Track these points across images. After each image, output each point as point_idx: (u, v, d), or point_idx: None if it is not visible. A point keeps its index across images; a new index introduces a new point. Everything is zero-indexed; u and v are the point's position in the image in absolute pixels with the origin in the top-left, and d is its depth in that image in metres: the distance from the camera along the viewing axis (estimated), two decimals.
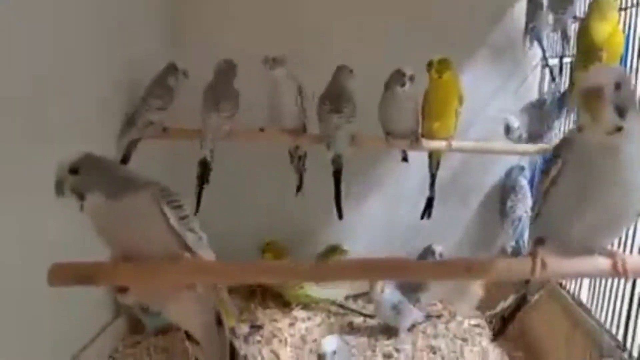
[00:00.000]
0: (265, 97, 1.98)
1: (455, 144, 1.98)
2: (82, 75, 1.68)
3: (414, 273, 1.01)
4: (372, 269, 0.96)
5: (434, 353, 2.01)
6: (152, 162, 2.27)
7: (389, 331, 2.13)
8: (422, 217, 2.16)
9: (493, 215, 2.44)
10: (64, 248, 1.10)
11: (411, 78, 1.86)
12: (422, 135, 1.98)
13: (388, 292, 2.06)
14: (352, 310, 2.29)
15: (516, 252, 2.22)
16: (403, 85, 1.86)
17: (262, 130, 2.03)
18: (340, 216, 1.97)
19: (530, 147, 2.02)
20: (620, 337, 1.55)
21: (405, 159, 2.17)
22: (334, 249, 2.40)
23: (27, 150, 1.41)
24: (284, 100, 1.96)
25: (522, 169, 2.33)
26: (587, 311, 1.76)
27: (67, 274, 0.89)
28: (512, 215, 2.26)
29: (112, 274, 0.90)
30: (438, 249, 2.22)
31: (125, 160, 1.89)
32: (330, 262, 1.98)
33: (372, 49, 2.20)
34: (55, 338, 1.62)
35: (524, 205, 2.24)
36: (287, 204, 2.27)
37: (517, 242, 2.25)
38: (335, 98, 1.91)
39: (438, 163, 2.12)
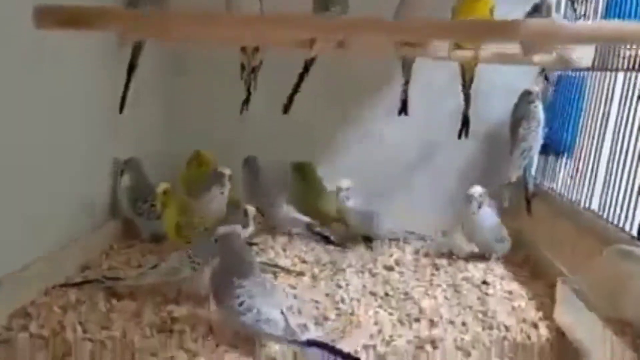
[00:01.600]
0: None
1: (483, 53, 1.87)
2: None
3: (430, 30, 0.92)
4: (387, 28, 0.89)
5: (437, 269, 1.95)
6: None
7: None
8: (459, 136, 2.08)
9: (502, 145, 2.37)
10: None
11: None
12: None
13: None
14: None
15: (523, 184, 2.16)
16: None
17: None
18: (286, 111, 1.89)
19: (551, 58, 1.90)
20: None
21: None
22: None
23: None
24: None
25: (530, 93, 2.23)
26: (598, 216, 1.70)
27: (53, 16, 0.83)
28: (522, 145, 2.18)
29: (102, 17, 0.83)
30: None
31: (133, 63, 1.84)
32: None
33: None
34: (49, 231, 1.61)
35: (536, 134, 2.17)
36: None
37: (524, 173, 2.19)
38: None
39: (472, 78, 2.04)
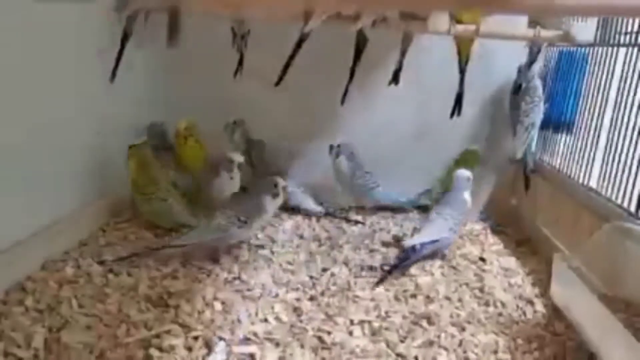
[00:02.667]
0: None
1: (482, 28, 1.84)
2: None
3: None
4: None
5: None
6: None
7: None
8: (452, 115, 2.06)
9: (501, 119, 2.35)
10: None
11: None
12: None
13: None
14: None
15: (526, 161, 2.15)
16: None
17: None
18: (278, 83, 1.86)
19: (555, 34, 1.86)
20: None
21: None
22: None
23: None
24: None
25: (529, 67, 2.19)
26: (596, 192, 1.69)
27: None
28: (525, 120, 2.15)
29: None
30: None
31: (127, 35, 1.80)
32: None
33: None
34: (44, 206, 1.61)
35: (539, 109, 2.14)
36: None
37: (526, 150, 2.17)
38: None
39: (468, 57, 2.01)
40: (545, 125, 2.17)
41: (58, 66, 1.62)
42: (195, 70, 2.37)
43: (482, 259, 1.83)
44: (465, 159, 2.26)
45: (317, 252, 1.82)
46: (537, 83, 2.16)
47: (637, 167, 1.51)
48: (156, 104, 2.31)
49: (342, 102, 2.00)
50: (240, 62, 2.08)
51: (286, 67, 1.88)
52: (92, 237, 1.80)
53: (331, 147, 2.25)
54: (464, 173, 1.94)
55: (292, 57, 1.87)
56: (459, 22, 1.85)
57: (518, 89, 2.19)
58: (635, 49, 1.59)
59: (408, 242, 1.75)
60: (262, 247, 1.81)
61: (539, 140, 2.21)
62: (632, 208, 1.49)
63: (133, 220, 1.97)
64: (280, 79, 1.88)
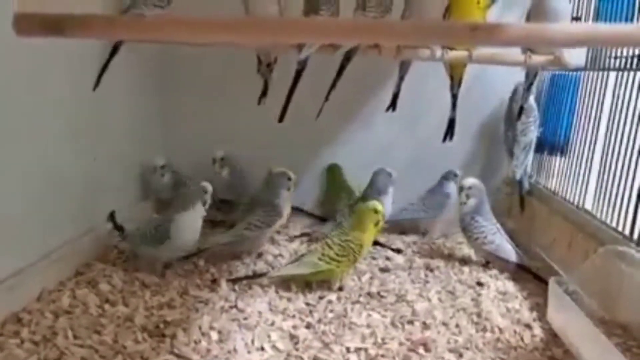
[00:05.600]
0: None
1: (475, 54, 1.86)
2: None
3: (414, 34, 0.92)
4: (363, 30, 0.89)
5: (431, 271, 1.94)
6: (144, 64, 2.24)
7: None
8: (444, 140, 2.07)
9: (496, 140, 2.37)
10: None
11: None
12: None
13: None
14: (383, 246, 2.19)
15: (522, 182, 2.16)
16: None
17: None
18: (281, 119, 1.87)
19: (546, 58, 1.88)
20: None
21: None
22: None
23: None
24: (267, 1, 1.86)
25: (528, 88, 2.22)
26: (591, 215, 1.70)
27: (34, 23, 0.83)
28: (522, 139, 2.17)
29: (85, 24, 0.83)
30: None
31: (115, 49, 1.83)
32: None
33: None
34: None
35: (534, 129, 2.16)
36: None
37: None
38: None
39: (460, 82, 2.03)
40: (539, 147, 2.19)
41: (53, 103, 1.64)
42: (190, 103, 2.41)
43: (480, 283, 1.83)
44: None
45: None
46: (533, 103, 2.19)
47: (631, 190, 1.53)
48: (149, 139, 2.34)
49: (317, 116, 1.95)
50: (265, 90, 2.02)
51: (287, 100, 1.90)
52: (87, 266, 1.79)
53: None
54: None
55: (292, 89, 1.90)
56: (451, 48, 1.88)
57: (520, 111, 2.18)
58: (626, 73, 1.62)
59: None
60: (260, 275, 1.79)
61: (534, 162, 2.23)
62: (627, 231, 1.50)
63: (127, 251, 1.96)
64: (283, 114, 1.90)
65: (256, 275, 1.77)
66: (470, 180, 2.04)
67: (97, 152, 1.92)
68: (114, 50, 1.84)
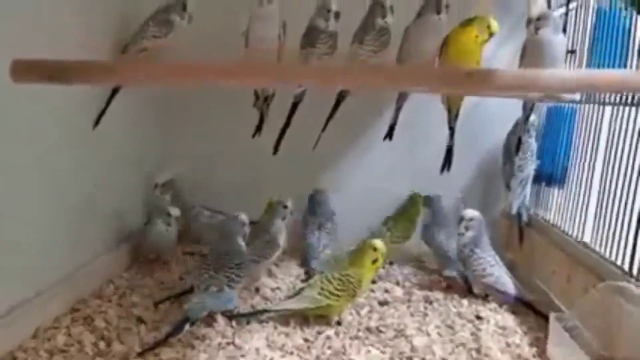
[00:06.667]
0: (248, 33, 1.90)
1: None
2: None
3: (408, 80, 0.92)
4: (358, 76, 0.89)
5: (430, 303, 1.93)
6: (144, 103, 2.25)
7: None
8: (442, 170, 2.07)
9: (495, 171, 2.37)
10: None
11: (447, 7, 1.77)
12: None
13: None
14: None
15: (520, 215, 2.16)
16: (439, 12, 1.78)
17: None
18: (275, 151, 1.91)
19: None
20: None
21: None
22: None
23: None
24: (270, 36, 1.90)
25: (526, 121, 2.22)
26: (590, 249, 1.69)
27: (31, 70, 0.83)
28: (519, 175, 2.17)
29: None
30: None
31: (114, 92, 1.85)
32: None
33: None
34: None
35: (532, 164, 2.17)
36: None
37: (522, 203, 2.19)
38: (308, 34, 1.83)
39: (457, 114, 2.03)
40: (537, 178, 2.19)
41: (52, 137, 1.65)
42: (191, 126, 2.43)
43: (479, 317, 1.81)
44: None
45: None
46: (531, 137, 2.19)
47: (629, 224, 1.52)
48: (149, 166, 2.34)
49: (314, 147, 1.96)
50: (260, 124, 2.02)
51: (282, 132, 1.92)
52: (83, 302, 1.78)
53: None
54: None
55: (287, 122, 1.91)
56: None
57: (518, 144, 2.17)
58: (621, 107, 1.63)
59: None
60: (258, 312, 1.77)
61: (532, 194, 2.22)
62: (626, 266, 1.49)
63: (123, 286, 1.95)
64: (277, 145, 1.92)
65: (255, 312, 1.75)
66: (471, 212, 2.04)
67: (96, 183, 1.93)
68: (114, 91, 1.87)
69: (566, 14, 2.08)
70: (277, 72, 0.93)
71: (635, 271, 1.45)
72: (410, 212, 2.35)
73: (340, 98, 1.94)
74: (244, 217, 1.87)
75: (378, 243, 1.77)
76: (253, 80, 1.08)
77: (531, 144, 2.18)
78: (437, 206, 2.27)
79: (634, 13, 1.50)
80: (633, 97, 1.55)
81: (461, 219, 2.03)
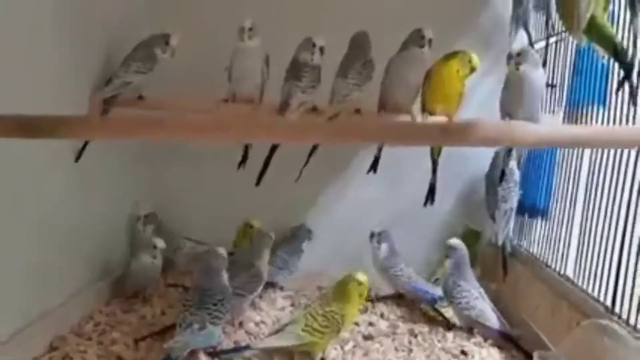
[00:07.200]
0: (231, 67, 1.92)
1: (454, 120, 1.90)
2: (53, 33, 1.63)
3: (384, 135, 0.93)
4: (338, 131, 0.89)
5: (415, 336, 1.92)
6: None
7: None
8: (425, 204, 2.08)
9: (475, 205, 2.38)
10: None
11: (430, 41, 1.80)
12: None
13: None
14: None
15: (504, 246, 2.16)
16: (422, 46, 1.81)
17: (226, 101, 1.94)
18: (258, 183, 1.92)
19: None
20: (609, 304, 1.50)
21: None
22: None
23: None
24: (252, 70, 1.91)
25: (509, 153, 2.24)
26: (573, 284, 1.70)
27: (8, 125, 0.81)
28: (503, 206, 2.18)
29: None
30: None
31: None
32: None
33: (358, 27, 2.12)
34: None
35: (515, 194, 2.18)
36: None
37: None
38: (293, 68, 1.86)
39: (440, 147, 2.05)
40: (520, 210, 2.20)
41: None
42: (175, 161, 2.42)
43: (464, 352, 1.80)
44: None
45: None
46: (514, 168, 2.21)
47: (610, 261, 1.53)
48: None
49: (296, 180, 1.99)
50: (245, 156, 2.04)
51: (265, 167, 1.92)
52: (62, 339, 1.73)
53: (372, 234, 2.24)
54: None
55: (270, 155, 1.92)
56: (431, 113, 1.92)
57: (502, 176, 2.18)
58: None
59: None
60: (242, 349, 1.75)
61: (516, 225, 2.24)
62: (609, 302, 1.50)
63: (103, 322, 1.91)
64: (260, 178, 1.92)
65: (238, 349, 1.72)
66: (453, 241, 2.05)
67: (82, 219, 1.90)
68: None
69: (546, 47, 2.11)
70: (250, 128, 0.92)
71: (617, 309, 1.46)
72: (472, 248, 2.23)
73: None
74: (222, 251, 1.87)
75: (362, 276, 1.76)
76: (225, 137, 1.08)
77: (514, 173, 2.19)
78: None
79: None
80: None
81: (446, 247, 2.04)
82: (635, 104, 1.42)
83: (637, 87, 1.44)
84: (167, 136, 1.09)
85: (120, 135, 0.93)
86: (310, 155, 1.94)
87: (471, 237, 2.35)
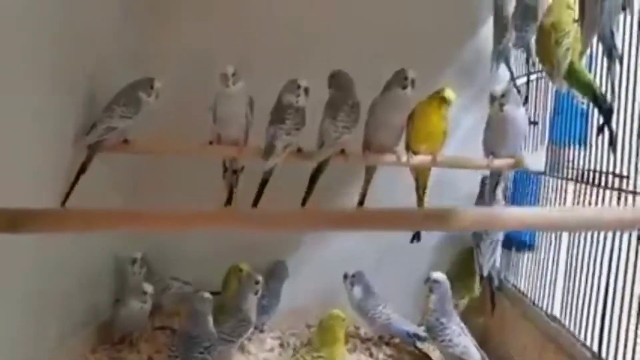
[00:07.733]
0: (215, 110, 1.92)
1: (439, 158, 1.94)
2: (36, 76, 1.62)
3: (369, 223, 0.93)
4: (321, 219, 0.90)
5: None
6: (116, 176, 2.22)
7: None
8: (412, 240, 2.08)
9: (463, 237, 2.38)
10: None
11: (413, 82, 1.82)
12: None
13: None
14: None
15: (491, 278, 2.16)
16: (405, 87, 1.82)
17: (211, 143, 1.94)
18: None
19: (507, 162, 1.94)
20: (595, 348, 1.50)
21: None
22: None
23: None
24: (237, 115, 1.91)
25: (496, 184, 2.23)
26: (561, 325, 1.70)
27: None
28: (490, 236, 2.18)
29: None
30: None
31: (84, 167, 1.82)
32: None
33: (340, 65, 2.13)
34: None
35: None
36: None
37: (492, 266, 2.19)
38: (277, 110, 1.87)
39: (425, 185, 2.06)
40: (506, 243, 2.21)
41: None
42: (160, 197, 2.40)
43: None
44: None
45: None
46: (499, 197, 2.21)
47: (596, 304, 1.53)
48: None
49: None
50: (230, 197, 2.04)
51: (255, 204, 1.91)
52: None
53: (345, 275, 2.21)
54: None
55: (257, 197, 1.91)
56: (415, 152, 1.93)
57: (480, 203, 2.20)
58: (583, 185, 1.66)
59: None
60: None
61: (503, 259, 2.24)
62: (595, 347, 1.50)
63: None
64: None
65: None
66: (436, 274, 2.01)
67: (64, 259, 1.88)
68: (80, 171, 1.83)
69: (527, 83, 2.14)
70: (231, 219, 0.93)
71: (604, 354, 1.46)
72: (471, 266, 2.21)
73: (317, 173, 1.94)
74: (207, 295, 1.86)
75: (340, 313, 1.77)
76: (206, 227, 1.08)
77: (500, 203, 2.20)
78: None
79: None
80: (594, 179, 1.58)
81: (427, 279, 2.01)
82: (614, 151, 1.44)
83: (615, 133, 1.46)
84: (146, 228, 1.09)
85: (98, 228, 0.91)
86: (305, 197, 1.95)
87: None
